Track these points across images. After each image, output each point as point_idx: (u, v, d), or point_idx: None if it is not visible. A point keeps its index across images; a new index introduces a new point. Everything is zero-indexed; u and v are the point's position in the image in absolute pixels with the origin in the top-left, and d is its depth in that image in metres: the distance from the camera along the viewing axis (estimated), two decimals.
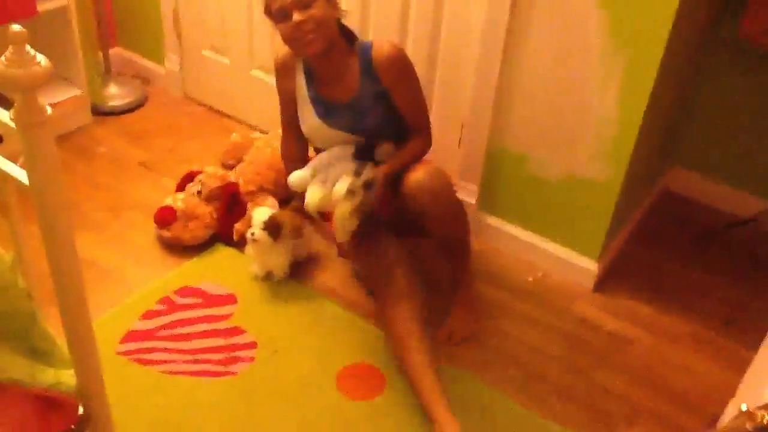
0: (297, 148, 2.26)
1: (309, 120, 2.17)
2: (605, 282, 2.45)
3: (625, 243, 2.62)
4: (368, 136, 2.15)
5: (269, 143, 2.65)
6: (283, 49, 2.17)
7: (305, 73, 2.15)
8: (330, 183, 2.01)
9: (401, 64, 2.10)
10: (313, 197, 2.00)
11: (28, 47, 0.95)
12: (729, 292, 2.47)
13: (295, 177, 2.07)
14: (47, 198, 1.06)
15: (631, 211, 2.61)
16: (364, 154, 2.12)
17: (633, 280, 2.49)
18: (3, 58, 0.94)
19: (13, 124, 1.00)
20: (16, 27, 0.93)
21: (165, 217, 2.37)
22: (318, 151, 2.23)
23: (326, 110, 2.14)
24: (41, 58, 0.97)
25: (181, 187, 2.53)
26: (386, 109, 2.14)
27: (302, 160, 2.21)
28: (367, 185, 1.99)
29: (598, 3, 2.02)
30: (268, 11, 2.05)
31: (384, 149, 2.17)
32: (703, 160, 2.86)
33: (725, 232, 2.70)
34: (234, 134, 2.83)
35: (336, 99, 2.13)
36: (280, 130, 2.48)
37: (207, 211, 2.42)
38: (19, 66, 0.94)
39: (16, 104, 0.98)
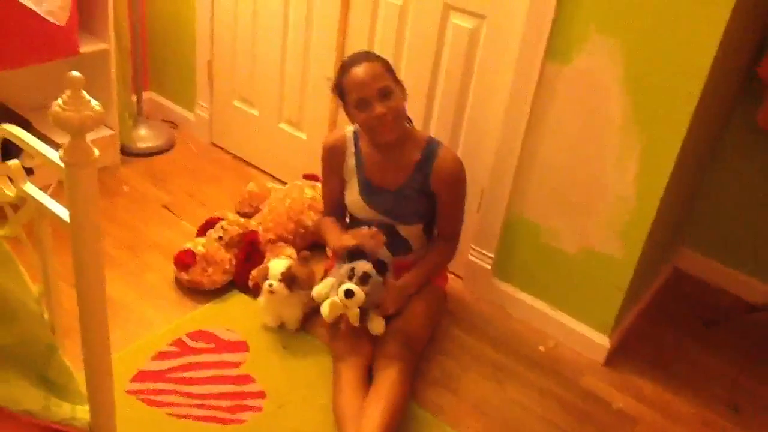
0: (334, 218, 2.41)
1: (352, 195, 2.30)
2: (615, 357, 2.44)
3: (636, 319, 2.62)
4: (400, 220, 2.27)
5: (289, 194, 2.70)
6: (333, 134, 2.37)
7: (356, 155, 2.28)
8: (337, 285, 2.14)
9: (457, 180, 2.26)
10: (324, 311, 2.14)
11: (83, 92, 1.00)
12: (738, 377, 2.45)
13: (317, 292, 2.22)
14: (85, 235, 1.10)
15: (643, 287, 2.63)
16: (387, 237, 2.23)
17: (643, 357, 2.48)
18: (60, 100, 0.99)
19: (61, 163, 1.05)
20: (75, 73, 0.99)
21: (185, 260, 2.40)
22: (353, 219, 2.36)
23: (370, 192, 2.27)
24: (95, 104, 1.02)
25: (202, 232, 2.57)
26: (427, 203, 2.27)
27: (337, 227, 2.38)
28: (363, 280, 2.10)
29: (623, 84, 2.08)
30: (340, 93, 2.18)
31: (413, 231, 2.30)
32: (714, 243, 2.88)
33: (737, 316, 2.70)
34: (251, 184, 2.88)
35: (382, 184, 2.26)
36: (298, 182, 2.70)
37: (226, 258, 2.45)
38: (74, 109, 0.99)
39: (66, 144, 1.02)
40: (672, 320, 2.70)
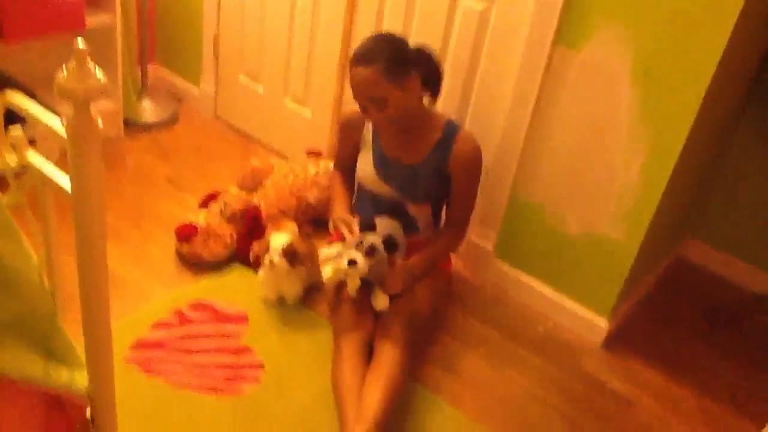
0: (342, 186, 2.45)
1: (365, 166, 2.30)
2: (614, 341, 2.46)
3: (637, 305, 2.63)
4: (411, 198, 2.27)
5: (292, 170, 2.71)
6: (349, 107, 2.36)
7: (374, 128, 2.29)
8: (343, 252, 2.15)
9: (475, 164, 2.25)
10: (327, 274, 2.15)
11: (89, 62, 1.00)
12: (736, 367, 2.47)
13: (324, 253, 2.23)
14: (88, 206, 1.10)
15: (645, 274, 2.63)
16: (394, 215, 2.26)
17: (642, 342, 2.49)
18: (64, 71, 0.99)
19: (64, 134, 1.05)
20: (80, 44, 0.99)
21: (186, 233, 2.41)
22: (361, 191, 2.37)
23: (384, 164, 2.27)
24: (99, 74, 1.02)
25: (204, 205, 2.58)
26: (439, 184, 2.26)
27: (346, 198, 2.43)
28: (369, 252, 2.10)
29: (632, 73, 2.07)
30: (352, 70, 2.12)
31: (421, 211, 2.30)
32: (719, 234, 2.89)
33: (739, 311, 2.71)
34: (253, 159, 2.88)
35: (397, 158, 2.26)
36: (302, 158, 2.73)
37: (227, 231, 2.46)
38: (79, 80, 0.99)
39: (70, 115, 1.03)
40: (673, 307, 2.71)
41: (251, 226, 2.49)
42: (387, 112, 2.08)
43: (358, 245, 2.11)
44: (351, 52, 2.68)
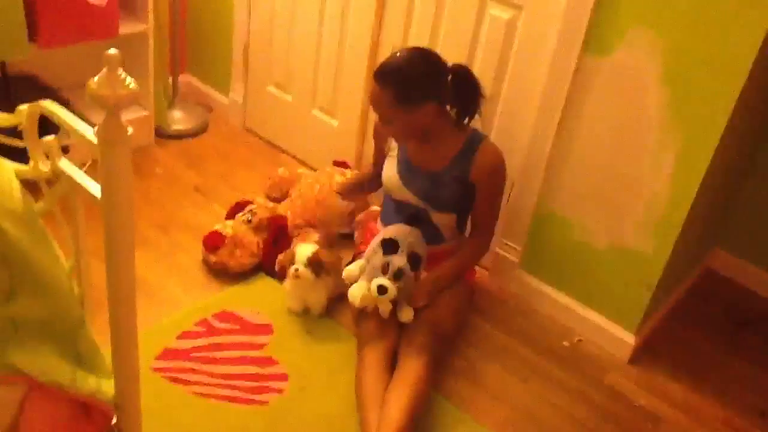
0: (376, 181, 2.51)
1: (389, 171, 2.33)
2: (641, 356, 2.42)
3: (664, 319, 2.59)
4: (434, 206, 2.27)
5: (318, 179, 2.71)
6: None
7: None
8: (369, 275, 2.15)
9: (498, 173, 2.26)
10: (354, 299, 2.14)
11: (120, 70, 1.02)
12: (766, 383, 2.42)
13: (347, 272, 2.23)
14: (117, 212, 1.12)
15: (673, 287, 2.59)
16: (415, 223, 2.27)
17: (669, 357, 2.45)
18: (96, 78, 1.01)
19: (95, 139, 1.07)
20: (112, 51, 1.00)
21: (214, 242, 2.43)
22: (386, 199, 2.40)
23: (407, 170, 2.28)
24: (130, 82, 1.03)
25: (231, 215, 2.60)
26: (462, 193, 2.26)
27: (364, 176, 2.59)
28: (397, 276, 2.10)
29: (661, 79, 2.05)
30: None
31: (445, 220, 2.30)
32: (748, 245, 2.84)
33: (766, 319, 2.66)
34: (281, 169, 2.90)
35: (421, 165, 2.27)
36: (328, 169, 2.77)
37: (254, 241, 2.47)
38: (110, 87, 1.00)
39: (101, 122, 1.04)
40: (701, 321, 2.66)
41: (277, 235, 2.50)
42: (392, 129, 2.17)
43: (385, 268, 2.11)
44: (378, 62, 2.72)
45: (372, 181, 2.54)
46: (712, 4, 1.90)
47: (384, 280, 2.09)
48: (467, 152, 2.22)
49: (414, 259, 2.14)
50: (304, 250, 2.28)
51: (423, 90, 2.10)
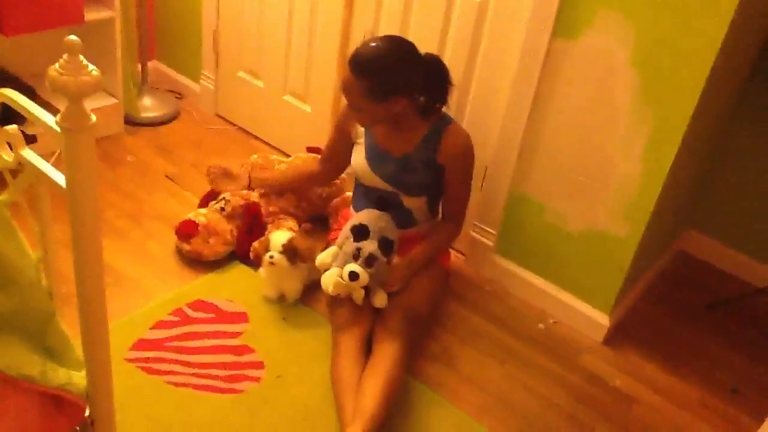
0: (325, 175, 2.54)
1: (357, 159, 2.32)
2: (615, 337, 2.45)
3: (637, 300, 2.62)
4: (404, 190, 2.27)
5: (292, 166, 2.69)
6: None
7: None
8: (342, 262, 2.14)
9: (465, 155, 2.26)
10: (327, 287, 2.14)
11: (81, 57, 0.99)
12: (738, 361, 2.46)
13: (320, 260, 2.22)
14: (82, 201, 1.09)
15: (645, 268, 2.62)
16: (385, 207, 2.27)
17: (643, 338, 2.48)
18: (57, 65, 0.98)
19: (57, 128, 1.04)
20: (72, 37, 0.98)
21: (187, 231, 2.41)
22: (357, 186, 2.39)
23: (376, 156, 2.28)
24: (92, 68, 1.01)
25: (204, 203, 2.57)
26: (432, 176, 2.26)
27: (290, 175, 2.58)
28: (368, 262, 2.10)
29: (631, 61, 2.06)
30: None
31: (417, 203, 2.30)
32: (720, 226, 2.87)
33: (739, 299, 2.69)
34: (254, 156, 2.87)
35: (388, 150, 2.26)
36: (302, 155, 2.74)
37: (228, 229, 2.45)
38: (71, 74, 0.98)
39: (63, 109, 1.02)
40: (674, 302, 2.69)
41: (251, 223, 2.47)
42: (361, 116, 2.17)
43: (356, 255, 2.10)
44: (350, 47, 2.69)
45: (311, 179, 2.56)
46: None
47: (355, 267, 2.09)
48: (434, 135, 2.22)
49: (385, 244, 2.14)
50: (279, 237, 2.26)
51: (397, 84, 2.09)
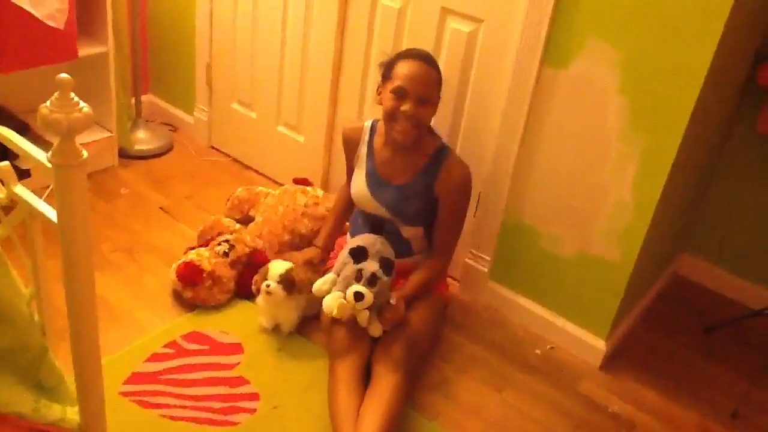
0: (342, 201, 2.53)
1: (358, 185, 2.32)
2: (612, 362, 2.44)
3: (634, 324, 2.62)
4: (403, 218, 2.28)
5: (281, 201, 2.68)
6: (352, 123, 2.44)
7: (368, 146, 2.31)
8: (343, 285, 2.14)
9: (461, 190, 2.27)
10: (330, 308, 2.12)
11: (72, 94, 1.00)
12: (736, 384, 2.44)
13: (316, 287, 2.19)
14: (73, 237, 1.10)
15: (641, 292, 2.62)
16: (380, 232, 2.28)
17: (640, 362, 2.47)
18: (48, 102, 0.99)
19: (49, 164, 1.05)
20: (63, 75, 0.99)
21: (191, 279, 2.34)
22: (356, 211, 2.41)
23: (376, 184, 2.28)
24: (83, 105, 1.02)
25: (204, 242, 2.53)
26: (430, 207, 2.27)
27: (340, 210, 2.53)
28: (371, 281, 2.10)
29: (619, 89, 2.08)
30: (386, 70, 2.20)
31: (415, 233, 2.32)
32: (715, 249, 2.88)
33: (736, 322, 2.69)
34: (239, 189, 2.86)
35: (389, 177, 2.28)
36: (290, 187, 2.78)
37: (230, 275, 2.41)
38: (62, 111, 0.99)
39: (54, 146, 1.02)
40: (671, 325, 2.69)
41: (256, 271, 2.41)
42: (421, 111, 2.14)
43: (358, 276, 2.10)
44: (343, 77, 2.72)
45: (346, 215, 2.54)
46: (665, 15, 1.94)
47: (359, 287, 2.08)
48: (433, 166, 2.23)
49: (386, 264, 2.14)
50: (278, 267, 2.26)
51: (441, 85, 2.22)
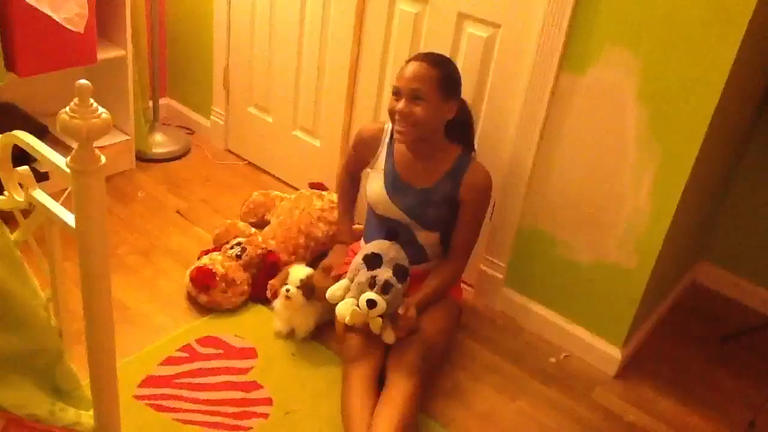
0: (348, 193, 2.54)
1: (376, 187, 2.30)
2: (628, 370, 2.42)
3: (650, 333, 2.60)
4: (421, 223, 2.27)
5: (297, 206, 2.68)
6: (372, 123, 2.47)
7: (388, 148, 2.30)
8: (356, 292, 2.14)
9: (485, 194, 2.27)
10: (342, 315, 2.13)
11: (91, 100, 1.01)
12: (754, 394, 2.42)
13: (330, 293, 2.19)
14: (91, 241, 1.10)
15: (658, 301, 2.60)
16: (395, 239, 2.26)
17: (656, 371, 2.45)
18: (68, 108, 1.00)
19: (68, 169, 1.06)
20: (83, 81, 0.99)
21: (205, 282, 2.35)
22: (370, 216, 2.39)
23: (395, 185, 2.27)
24: (102, 111, 1.02)
25: (218, 246, 2.54)
26: (449, 212, 2.26)
27: (349, 202, 2.55)
28: (385, 289, 2.09)
29: (638, 96, 2.06)
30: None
31: (430, 238, 2.30)
32: (733, 257, 2.85)
33: (754, 331, 2.66)
34: (255, 193, 2.87)
35: (410, 180, 2.27)
36: (305, 192, 2.78)
37: (244, 277, 2.42)
38: (82, 117, 0.99)
39: (74, 151, 1.03)
40: (688, 334, 2.66)
41: (269, 272, 2.43)
42: (415, 108, 2.10)
43: (371, 283, 2.10)
44: (359, 83, 2.73)
45: (353, 204, 2.56)
46: (685, 23, 1.92)
47: (372, 294, 2.08)
48: (457, 170, 2.22)
49: (400, 271, 2.13)
50: (298, 272, 2.26)
51: (457, 85, 2.19)
